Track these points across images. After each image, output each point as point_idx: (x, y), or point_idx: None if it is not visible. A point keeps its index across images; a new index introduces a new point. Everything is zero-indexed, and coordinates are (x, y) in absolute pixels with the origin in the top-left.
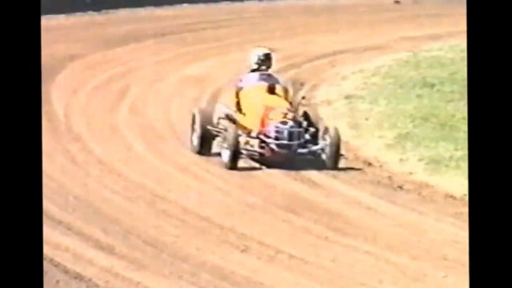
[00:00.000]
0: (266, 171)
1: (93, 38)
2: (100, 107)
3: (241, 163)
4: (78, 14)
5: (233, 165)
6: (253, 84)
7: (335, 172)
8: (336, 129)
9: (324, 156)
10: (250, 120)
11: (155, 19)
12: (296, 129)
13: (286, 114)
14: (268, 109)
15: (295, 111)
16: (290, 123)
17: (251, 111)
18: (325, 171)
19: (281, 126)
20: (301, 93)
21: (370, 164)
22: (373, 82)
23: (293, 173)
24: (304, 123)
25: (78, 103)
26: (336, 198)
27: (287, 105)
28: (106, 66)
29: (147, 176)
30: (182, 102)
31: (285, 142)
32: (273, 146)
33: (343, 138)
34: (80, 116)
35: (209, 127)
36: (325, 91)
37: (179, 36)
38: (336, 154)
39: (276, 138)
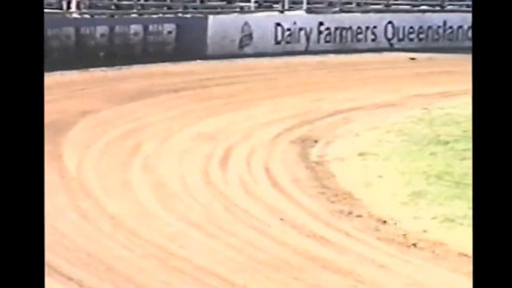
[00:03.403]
0: (277, 228)
1: (106, 94)
2: (113, 163)
3: (252, 219)
4: (91, 69)
5: None
6: None
7: (348, 230)
8: None
9: None
10: None
11: (168, 75)
12: None
13: None
14: None
15: None
16: None
17: None
18: (338, 228)
19: None
20: (314, 150)
21: (384, 222)
22: (387, 139)
23: (305, 230)
24: None
25: (91, 159)
26: (349, 256)
27: None
28: (119, 122)
29: (159, 233)
30: (194, 158)
31: None
32: None
33: (357, 195)
34: (93, 172)
35: None
36: (339, 148)
37: (192, 92)
38: None
39: None
